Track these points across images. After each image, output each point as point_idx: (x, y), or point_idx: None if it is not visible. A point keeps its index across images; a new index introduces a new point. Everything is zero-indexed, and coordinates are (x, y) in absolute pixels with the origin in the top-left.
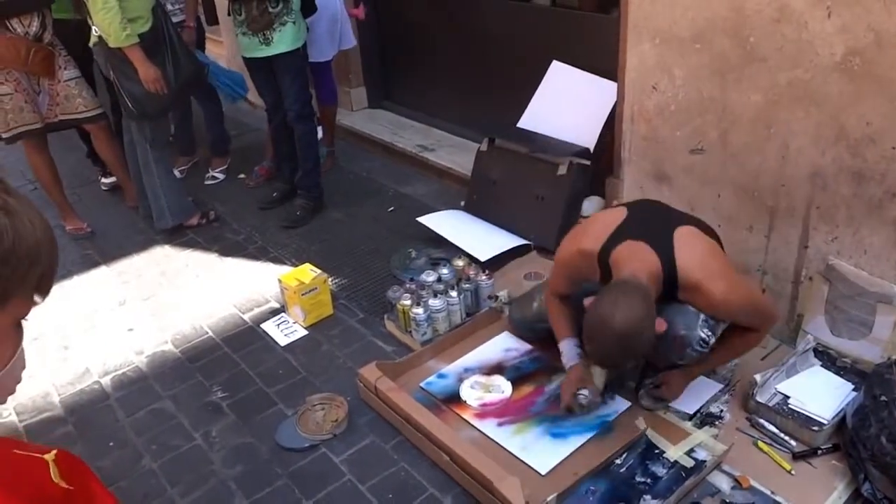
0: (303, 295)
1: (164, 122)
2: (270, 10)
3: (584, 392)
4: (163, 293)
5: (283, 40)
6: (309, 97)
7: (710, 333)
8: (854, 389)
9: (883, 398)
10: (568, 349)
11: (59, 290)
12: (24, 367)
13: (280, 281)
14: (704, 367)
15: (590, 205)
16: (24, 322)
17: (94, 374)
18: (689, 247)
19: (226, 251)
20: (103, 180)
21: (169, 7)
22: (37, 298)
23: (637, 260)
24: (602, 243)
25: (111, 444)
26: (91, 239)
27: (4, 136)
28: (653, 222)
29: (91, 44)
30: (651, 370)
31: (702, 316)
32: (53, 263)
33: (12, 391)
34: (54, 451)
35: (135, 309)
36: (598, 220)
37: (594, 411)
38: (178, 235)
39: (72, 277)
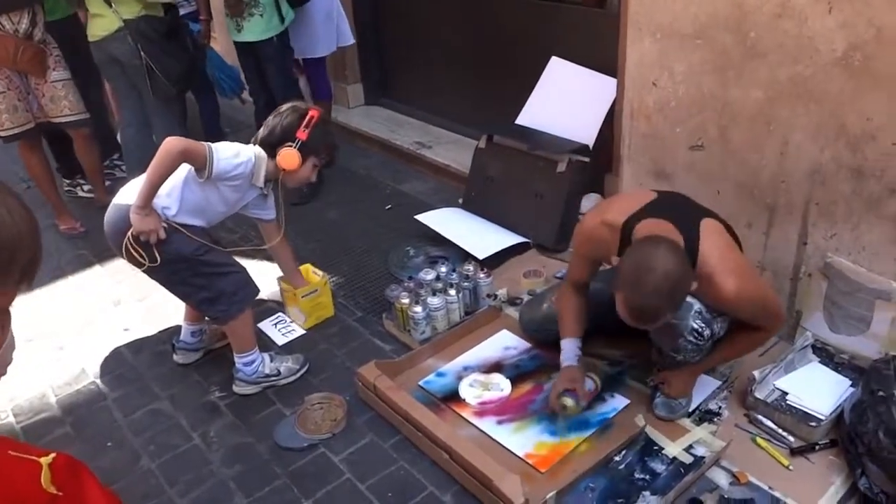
0: (302, 297)
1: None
2: None
3: (570, 397)
4: (157, 293)
5: (251, 29)
6: (294, 85)
7: (703, 325)
8: (852, 385)
9: (881, 393)
10: (568, 348)
11: (53, 290)
12: (13, 349)
13: (279, 282)
14: (708, 365)
15: (589, 202)
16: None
17: (90, 375)
18: (714, 237)
19: None
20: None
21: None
22: (21, 287)
23: (662, 232)
24: (627, 216)
25: (109, 444)
26: (85, 238)
27: (1, 135)
28: (682, 208)
29: (112, 31)
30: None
31: (695, 307)
32: (37, 252)
33: (3, 373)
34: (52, 455)
35: (130, 309)
36: (626, 196)
37: (578, 415)
38: None
39: (66, 277)
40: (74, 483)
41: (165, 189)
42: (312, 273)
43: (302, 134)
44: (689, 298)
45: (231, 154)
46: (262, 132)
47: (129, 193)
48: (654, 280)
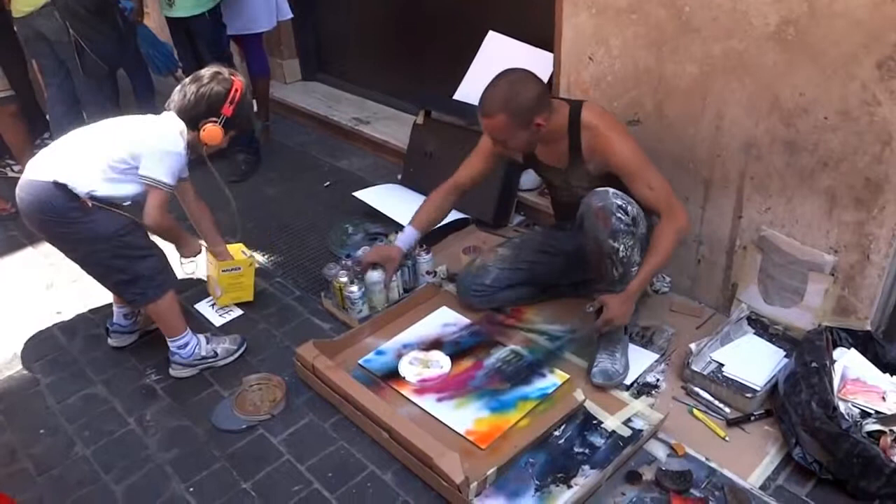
0: (223, 271)
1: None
2: None
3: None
4: None
5: (182, 5)
6: (228, 62)
7: (623, 202)
8: (786, 356)
9: (813, 364)
10: (408, 232)
11: None
12: None
13: (206, 250)
14: (638, 284)
15: (528, 178)
16: None
17: (21, 361)
18: (596, 108)
19: None
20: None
21: None
22: None
23: (556, 105)
24: None
25: (42, 431)
26: (15, 220)
27: None
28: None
29: (38, 6)
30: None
31: (610, 190)
32: None
33: None
34: None
35: (63, 292)
36: None
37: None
38: None
39: None
40: None
41: (97, 175)
42: (241, 252)
43: (228, 110)
44: (601, 189)
45: (166, 166)
46: (180, 100)
47: (40, 168)
48: (499, 83)
